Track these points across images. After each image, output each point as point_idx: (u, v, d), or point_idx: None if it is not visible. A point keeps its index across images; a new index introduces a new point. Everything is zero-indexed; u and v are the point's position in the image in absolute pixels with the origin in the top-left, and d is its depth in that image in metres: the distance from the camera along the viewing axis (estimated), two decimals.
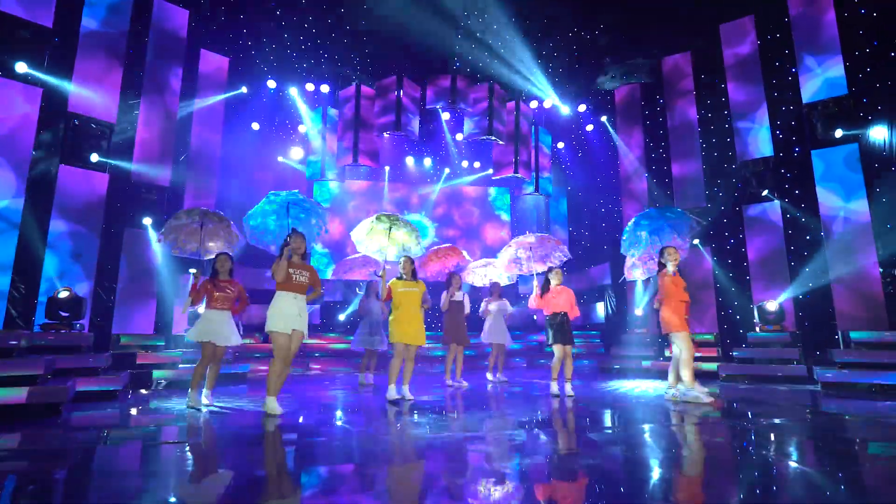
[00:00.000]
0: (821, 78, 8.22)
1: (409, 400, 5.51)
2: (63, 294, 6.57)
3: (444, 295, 7.02)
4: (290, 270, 4.63)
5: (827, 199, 8.05)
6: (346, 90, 10.83)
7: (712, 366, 8.07)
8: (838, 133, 7.88)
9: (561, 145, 13.90)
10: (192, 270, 5.51)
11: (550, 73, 11.51)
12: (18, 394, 4.63)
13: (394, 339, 5.51)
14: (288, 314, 4.55)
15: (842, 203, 7.91)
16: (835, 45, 8.09)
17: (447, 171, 14.48)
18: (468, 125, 10.80)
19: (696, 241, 9.92)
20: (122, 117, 8.22)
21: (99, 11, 8.07)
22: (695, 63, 10.27)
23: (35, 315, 6.84)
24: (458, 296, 7.10)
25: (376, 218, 6.51)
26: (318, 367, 9.63)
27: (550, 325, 5.95)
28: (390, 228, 6.54)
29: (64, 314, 6.50)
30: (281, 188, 11.71)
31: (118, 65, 8.17)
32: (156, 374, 6.96)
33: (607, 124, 12.07)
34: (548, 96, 11.91)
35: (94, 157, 7.80)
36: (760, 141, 9.15)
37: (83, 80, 7.70)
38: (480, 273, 8.58)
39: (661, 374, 8.15)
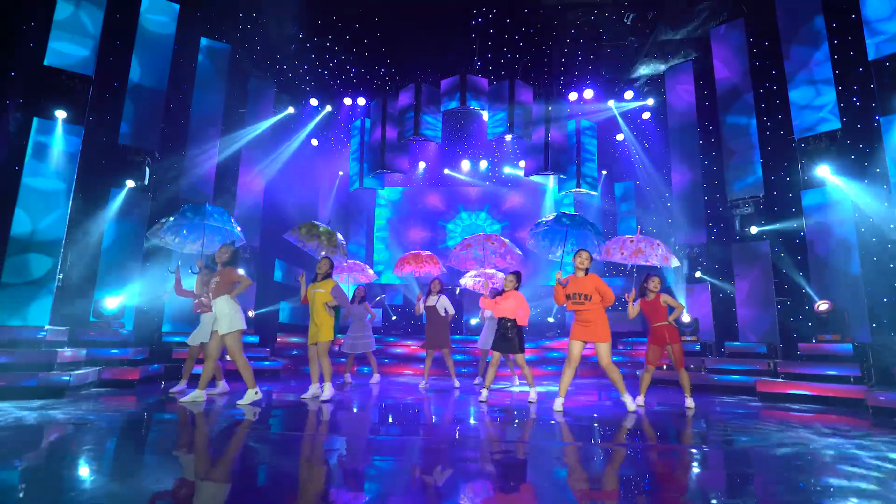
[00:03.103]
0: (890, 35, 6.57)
1: (323, 397, 5.48)
2: (109, 297, 7.78)
3: (417, 300, 7.05)
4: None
5: None
6: (376, 100, 11.21)
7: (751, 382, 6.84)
8: None
9: (620, 137, 12.85)
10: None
11: (594, 59, 10.75)
12: (31, 379, 5.64)
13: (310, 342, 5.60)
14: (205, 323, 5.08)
15: None
16: None
17: (507, 169, 14.36)
18: (493, 124, 10.50)
19: (754, 230, 8.57)
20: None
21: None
22: (748, 31, 8.85)
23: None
24: (432, 301, 7.01)
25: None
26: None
27: (497, 330, 5.59)
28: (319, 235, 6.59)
29: (108, 314, 7.70)
30: (340, 202, 12.52)
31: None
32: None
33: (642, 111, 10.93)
34: (590, 86, 11.13)
35: None
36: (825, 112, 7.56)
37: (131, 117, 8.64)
38: (472, 280, 8.26)
39: (672, 385, 7.10)
